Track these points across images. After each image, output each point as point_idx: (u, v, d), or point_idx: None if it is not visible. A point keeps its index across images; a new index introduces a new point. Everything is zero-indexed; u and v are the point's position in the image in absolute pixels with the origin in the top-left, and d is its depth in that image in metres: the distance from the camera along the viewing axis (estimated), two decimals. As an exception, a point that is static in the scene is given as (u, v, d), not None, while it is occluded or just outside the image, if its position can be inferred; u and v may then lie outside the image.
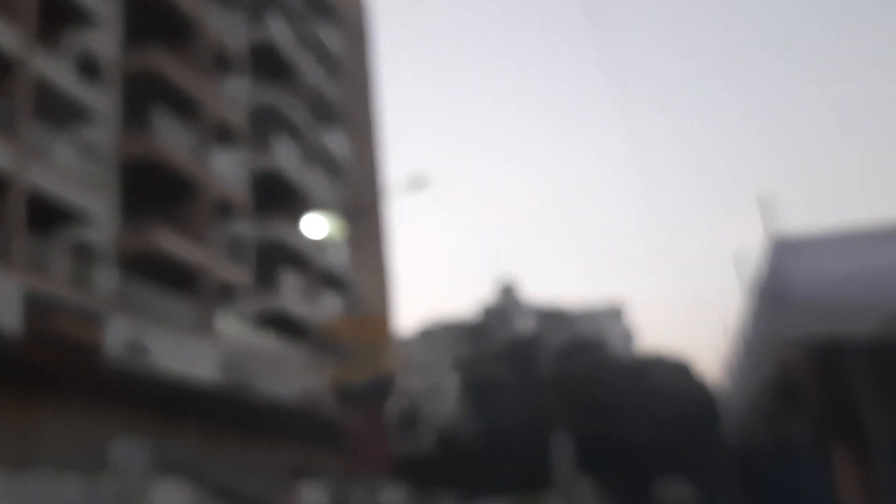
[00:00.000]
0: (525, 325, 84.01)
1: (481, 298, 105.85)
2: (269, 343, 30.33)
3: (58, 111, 23.11)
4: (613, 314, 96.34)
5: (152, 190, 27.13)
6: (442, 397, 66.03)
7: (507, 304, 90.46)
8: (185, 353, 23.69)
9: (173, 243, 26.30)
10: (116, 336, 20.94)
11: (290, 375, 28.19)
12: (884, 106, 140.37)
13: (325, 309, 35.85)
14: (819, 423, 6.10)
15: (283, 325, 32.72)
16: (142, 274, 24.85)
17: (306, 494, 24.35)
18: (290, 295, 34.23)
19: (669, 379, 58.85)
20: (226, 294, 29.24)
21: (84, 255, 23.23)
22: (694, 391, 54.97)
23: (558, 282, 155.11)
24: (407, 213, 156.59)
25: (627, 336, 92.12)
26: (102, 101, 24.85)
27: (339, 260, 39.48)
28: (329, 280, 38.43)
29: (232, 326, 28.15)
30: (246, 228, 32.45)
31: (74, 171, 23.19)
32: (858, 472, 5.54)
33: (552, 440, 36.77)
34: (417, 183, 26.24)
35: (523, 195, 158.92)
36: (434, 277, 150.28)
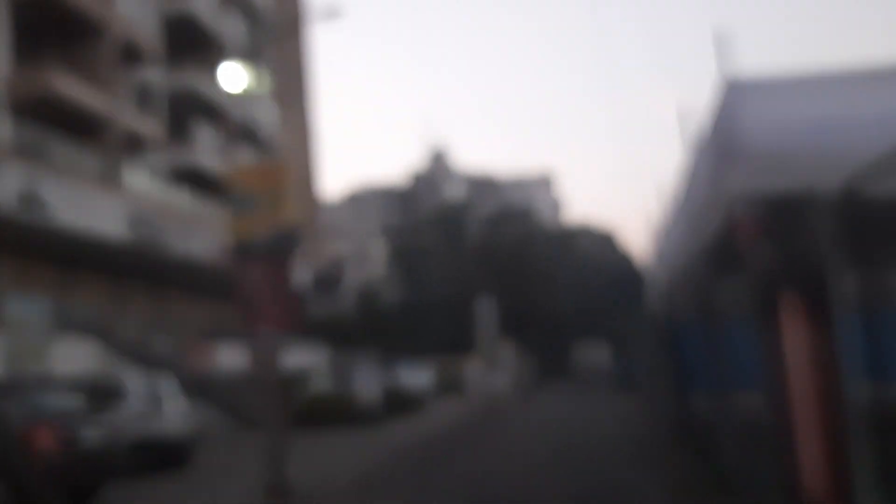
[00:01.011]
0: (455, 193, 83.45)
1: (411, 164, 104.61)
2: (181, 199, 28.77)
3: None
4: (543, 183, 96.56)
5: (48, 28, 24.63)
6: (369, 263, 65.78)
7: (437, 170, 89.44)
8: (89, 207, 22.04)
9: (73, 87, 24.15)
10: (7, 187, 19.17)
11: (204, 233, 26.87)
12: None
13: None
14: (765, 285, 5.38)
15: (197, 180, 31.06)
16: (37, 120, 22.76)
17: (220, 353, 23.68)
18: (205, 149, 32.39)
19: (594, 248, 59.82)
20: (134, 146, 27.35)
21: (-32, 95, 21.05)
22: (618, 260, 56.03)
23: (489, 149, 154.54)
24: (337, 74, 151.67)
25: (556, 206, 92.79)
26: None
27: (258, 114, 37.47)
28: (247, 135, 36.52)
29: (141, 180, 26.45)
30: (156, 77, 30.13)
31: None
32: (811, 332, 4.99)
33: (476, 305, 36.81)
34: (330, 13, 24.63)
35: (458, 58, 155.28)
36: (364, 142, 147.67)
